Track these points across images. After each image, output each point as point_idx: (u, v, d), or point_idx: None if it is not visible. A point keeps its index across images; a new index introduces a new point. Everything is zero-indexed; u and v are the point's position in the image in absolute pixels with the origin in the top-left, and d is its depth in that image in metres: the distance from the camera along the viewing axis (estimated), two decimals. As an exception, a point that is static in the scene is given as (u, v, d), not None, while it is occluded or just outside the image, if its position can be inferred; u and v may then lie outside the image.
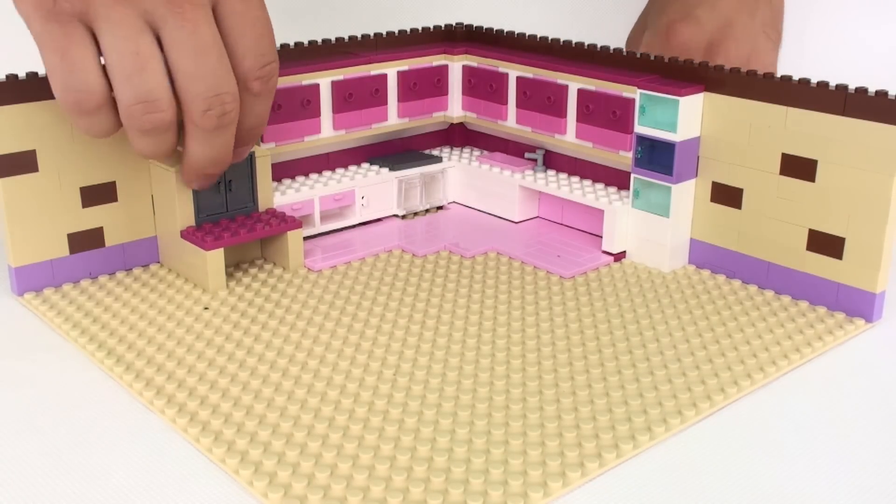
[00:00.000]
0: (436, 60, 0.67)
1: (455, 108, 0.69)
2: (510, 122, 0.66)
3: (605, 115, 0.60)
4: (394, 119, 0.66)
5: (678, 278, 0.57)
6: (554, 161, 0.66)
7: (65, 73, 0.46)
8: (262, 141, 0.59)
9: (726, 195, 0.57)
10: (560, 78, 0.62)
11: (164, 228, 0.57)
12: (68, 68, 0.46)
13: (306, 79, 0.60)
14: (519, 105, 0.65)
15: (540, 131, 0.64)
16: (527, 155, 0.67)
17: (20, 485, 0.38)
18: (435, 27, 0.70)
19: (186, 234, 0.55)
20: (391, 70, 0.65)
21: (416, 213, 0.67)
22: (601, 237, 0.61)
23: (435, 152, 0.70)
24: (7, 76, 0.52)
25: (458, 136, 0.71)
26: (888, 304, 0.53)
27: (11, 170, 0.52)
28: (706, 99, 0.56)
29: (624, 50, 0.61)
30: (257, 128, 0.52)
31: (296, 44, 0.63)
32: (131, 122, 0.47)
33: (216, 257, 0.54)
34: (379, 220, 0.65)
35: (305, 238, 0.60)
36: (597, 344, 0.49)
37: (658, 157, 0.57)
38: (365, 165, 0.66)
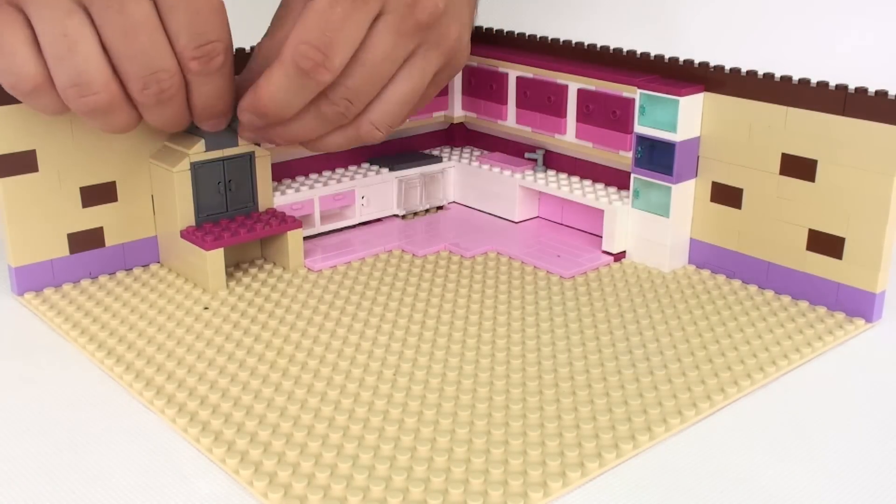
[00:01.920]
0: (436, 60, 0.67)
1: (455, 107, 0.69)
2: (510, 122, 0.66)
3: (605, 115, 0.60)
4: (394, 119, 0.66)
5: (678, 278, 0.57)
6: (554, 161, 0.66)
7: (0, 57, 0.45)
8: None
9: (726, 195, 0.57)
10: (560, 78, 0.62)
11: (164, 228, 0.57)
12: (1, 52, 0.45)
13: (306, 79, 0.60)
14: (519, 105, 0.65)
15: (540, 131, 0.64)
16: (527, 155, 0.67)
17: (20, 485, 0.38)
18: (435, 27, 0.70)
19: (186, 234, 0.55)
20: (391, 70, 0.65)
21: (416, 213, 0.67)
22: (601, 237, 0.60)
23: (435, 152, 0.70)
24: (7, 76, 0.52)
25: (458, 135, 0.71)
26: (888, 304, 0.53)
27: (11, 170, 0.52)
28: (706, 99, 0.56)
29: (624, 50, 0.61)
30: (212, 107, 0.50)
31: (296, 44, 0.63)
32: (70, 104, 0.46)
33: (216, 257, 0.54)
34: (379, 220, 0.65)
35: (305, 238, 0.60)
36: (597, 344, 0.49)
37: (658, 157, 0.57)
38: (365, 165, 0.66)
